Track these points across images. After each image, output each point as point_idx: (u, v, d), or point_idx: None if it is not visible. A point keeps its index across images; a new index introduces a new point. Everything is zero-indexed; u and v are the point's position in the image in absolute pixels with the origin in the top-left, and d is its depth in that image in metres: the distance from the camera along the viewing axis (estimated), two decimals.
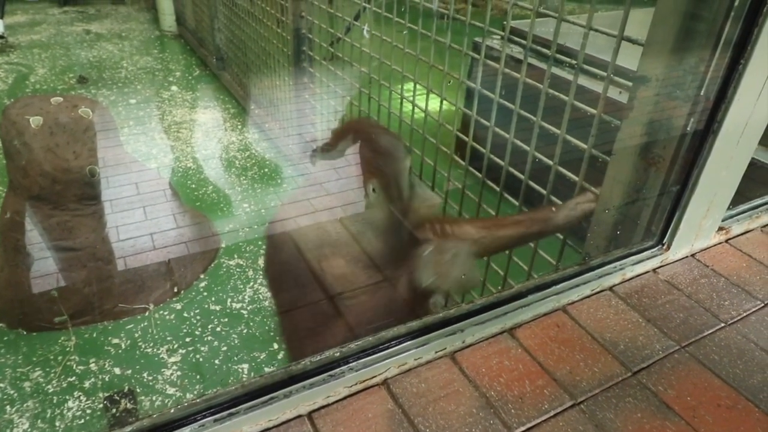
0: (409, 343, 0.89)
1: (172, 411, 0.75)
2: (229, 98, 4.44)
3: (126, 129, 3.78)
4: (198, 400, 0.76)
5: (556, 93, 1.42)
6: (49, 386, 1.94)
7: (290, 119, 3.46)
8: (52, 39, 5.76)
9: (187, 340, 2.16)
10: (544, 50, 1.45)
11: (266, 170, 3.40)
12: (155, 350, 2.11)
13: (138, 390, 1.94)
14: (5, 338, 2.14)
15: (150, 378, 2.00)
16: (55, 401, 1.89)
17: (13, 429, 1.79)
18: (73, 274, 2.18)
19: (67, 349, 2.11)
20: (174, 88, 4.62)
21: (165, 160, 3.45)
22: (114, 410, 1.86)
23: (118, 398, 1.91)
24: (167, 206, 2.57)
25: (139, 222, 2.49)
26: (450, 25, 1.85)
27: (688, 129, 1.10)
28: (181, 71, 5.02)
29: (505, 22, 1.85)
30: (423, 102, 2.07)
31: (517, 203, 1.60)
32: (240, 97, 4.31)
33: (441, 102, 1.96)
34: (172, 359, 2.07)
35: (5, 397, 1.90)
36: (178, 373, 2.02)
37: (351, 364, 0.85)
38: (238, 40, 4.14)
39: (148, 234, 2.44)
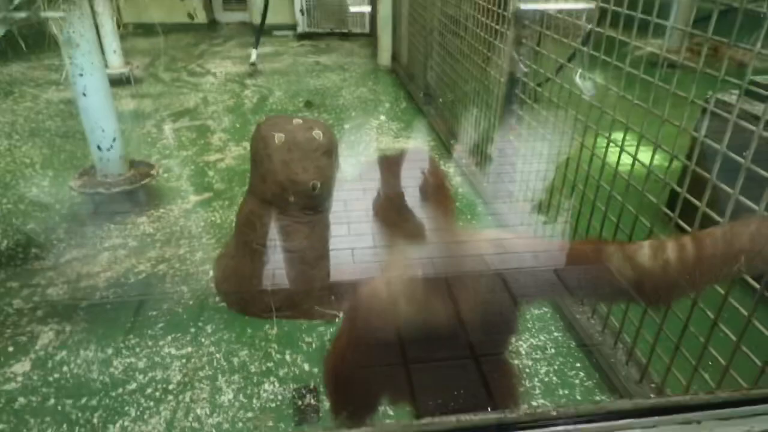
0: None
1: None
2: (430, 131, 4.67)
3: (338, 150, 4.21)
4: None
5: None
6: (252, 366, 2.22)
7: (489, 158, 3.51)
8: (289, 68, 6.72)
9: None
10: None
11: (456, 204, 3.48)
12: None
13: (321, 389, 2.11)
14: (225, 316, 2.51)
15: None
16: (255, 381, 2.15)
17: (221, 396, 2.08)
18: (284, 273, 2.47)
19: (269, 337, 2.39)
20: (382, 117, 5.03)
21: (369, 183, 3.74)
22: (299, 402, 2.05)
23: (304, 392, 2.10)
24: (369, 226, 2.78)
25: (342, 236, 2.73)
26: (677, 76, 1.73)
27: None
28: (390, 102, 5.45)
29: (746, 77, 1.66)
30: (642, 155, 1.95)
31: None
32: (441, 131, 4.50)
33: (669, 158, 1.81)
34: None
35: (219, 366, 2.22)
36: None
37: None
38: (448, 78, 4.35)
39: (349, 248, 2.67)
